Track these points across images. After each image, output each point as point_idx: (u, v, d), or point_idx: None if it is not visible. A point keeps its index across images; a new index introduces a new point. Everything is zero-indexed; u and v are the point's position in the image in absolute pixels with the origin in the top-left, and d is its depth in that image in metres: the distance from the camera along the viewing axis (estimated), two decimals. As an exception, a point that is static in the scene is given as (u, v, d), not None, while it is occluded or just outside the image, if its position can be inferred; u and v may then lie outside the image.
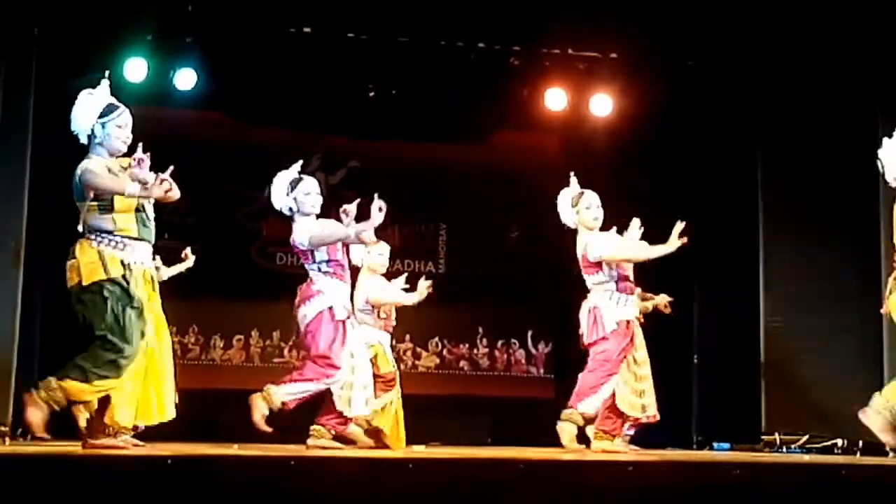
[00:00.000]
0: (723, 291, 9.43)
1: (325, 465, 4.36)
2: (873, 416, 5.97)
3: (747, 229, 8.94)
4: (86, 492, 3.91)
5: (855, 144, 8.13)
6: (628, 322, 6.76)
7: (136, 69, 8.61)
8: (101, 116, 5.19)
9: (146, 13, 8.34)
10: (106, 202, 5.08)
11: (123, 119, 5.26)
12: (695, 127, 9.53)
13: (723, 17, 8.44)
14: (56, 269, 5.35)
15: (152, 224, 5.24)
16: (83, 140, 5.21)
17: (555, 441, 6.77)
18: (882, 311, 6.08)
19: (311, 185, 6.39)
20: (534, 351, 10.44)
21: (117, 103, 5.28)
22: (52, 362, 8.35)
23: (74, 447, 4.77)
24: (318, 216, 6.40)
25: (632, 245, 6.81)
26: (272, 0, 8.44)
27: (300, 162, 6.49)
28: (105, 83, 5.27)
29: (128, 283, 5.04)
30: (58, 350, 7.66)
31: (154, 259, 5.57)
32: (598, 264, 6.75)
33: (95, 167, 5.09)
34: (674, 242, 6.56)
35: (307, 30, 8.84)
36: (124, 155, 5.30)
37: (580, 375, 6.76)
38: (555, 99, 9.53)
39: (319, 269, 6.28)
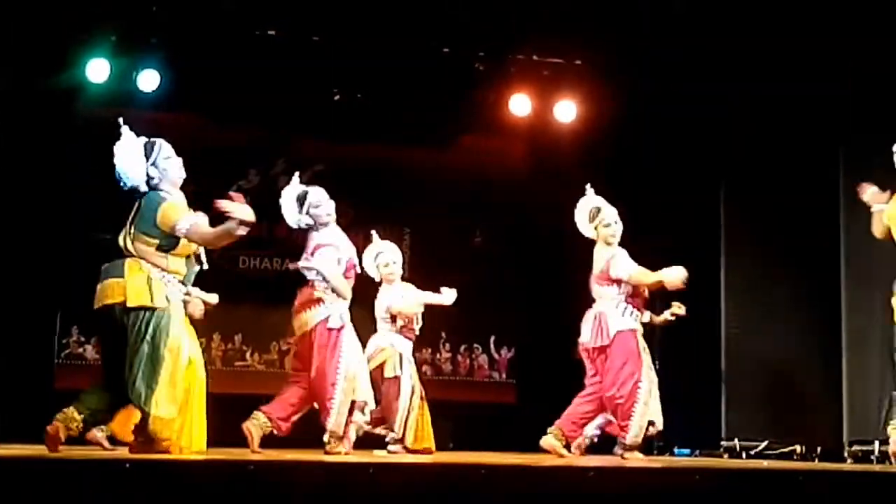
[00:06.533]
0: (684, 298, 9.47)
1: (285, 471, 4.34)
2: None
3: (709, 237, 9.00)
4: (49, 496, 3.88)
5: (815, 160, 8.25)
6: (633, 331, 6.85)
7: (98, 70, 8.56)
8: (147, 158, 5.03)
9: (110, 13, 8.28)
10: (167, 246, 4.98)
11: (166, 149, 5.10)
12: (658, 134, 9.58)
13: (689, 27, 8.50)
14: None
15: (195, 267, 5.21)
16: (143, 189, 5.01)
17: (517, 446, 6.77)
18: None
19: (319, 194, 6.41)
20: (497, 356, 10.45)
21: (148, 138, 5.09)
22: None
23: (39, 450, 4.75)
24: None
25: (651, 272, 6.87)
26: (237, 2, 8.40)
27: (297, 174, 6.46)
28: (125, 129, 5.06)
29: (168, 316, 4.98)
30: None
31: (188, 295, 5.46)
32: (618, 280, 6.84)
33: (195, 220, 5.07)
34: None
35: (272, 32, 8.82)
36: None
37: (621, 408, 6.75)
38: (519, 104, 9.56)
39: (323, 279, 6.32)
